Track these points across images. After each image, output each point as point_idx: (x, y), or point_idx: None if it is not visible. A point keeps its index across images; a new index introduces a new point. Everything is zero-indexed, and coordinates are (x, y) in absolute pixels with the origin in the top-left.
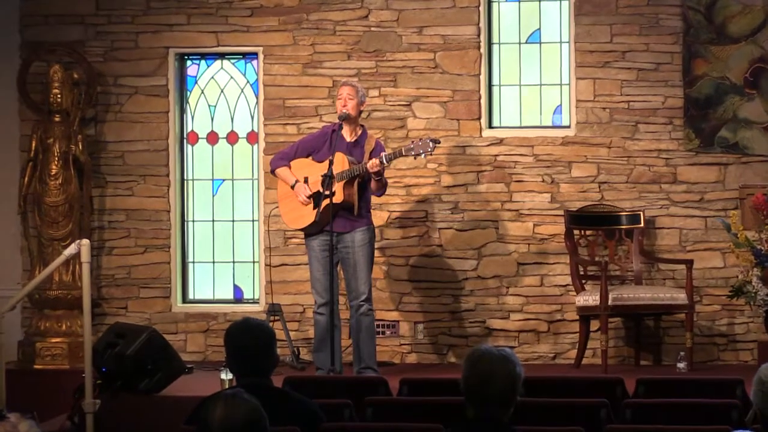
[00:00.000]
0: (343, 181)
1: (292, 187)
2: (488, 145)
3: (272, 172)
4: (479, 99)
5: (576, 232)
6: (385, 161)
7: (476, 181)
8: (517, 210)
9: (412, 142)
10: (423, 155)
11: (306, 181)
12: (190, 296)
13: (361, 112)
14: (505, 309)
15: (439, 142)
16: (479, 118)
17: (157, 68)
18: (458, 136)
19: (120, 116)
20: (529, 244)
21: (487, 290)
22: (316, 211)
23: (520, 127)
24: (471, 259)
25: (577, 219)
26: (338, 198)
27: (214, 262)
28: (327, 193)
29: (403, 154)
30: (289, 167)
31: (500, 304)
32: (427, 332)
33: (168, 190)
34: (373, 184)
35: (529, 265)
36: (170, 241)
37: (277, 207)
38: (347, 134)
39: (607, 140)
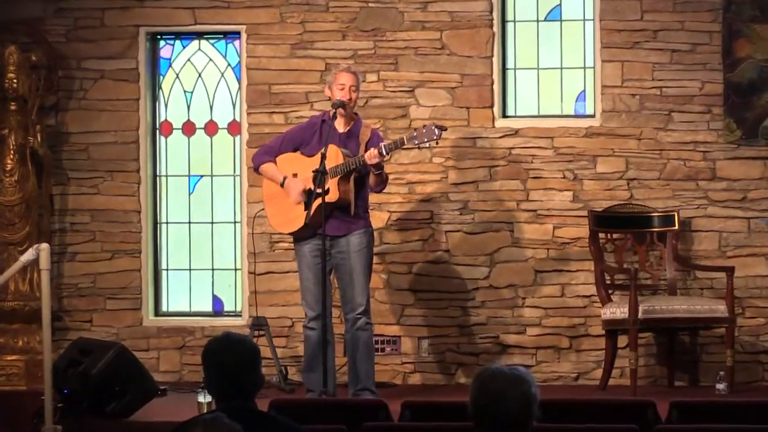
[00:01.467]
0: (338, 177)
1: (282, 185)
2: (502, 137)
3: (256, 169)
4: (491, 84)
5: (602, 235)
6: (384, 152)
7: (488, 178)
8: (534, 210)
9: (415, 130)
10: (428, 145)
11: (296, 177)
12: (164, 308)
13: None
14: (521, 323)
15: (446, 129)
16: (492, 107)
17: (126, 49)
18: (468, 126)
19: (84, 104)
20: (548, 248)
21: (501, 301)
22: (306, 213)
23: (538, 117)
24: (482, 266)
25: (603, 220)
26: (332, 196)
27: (190, 270)
28: (319, 191)
29: (405, 143)
30: (275, 163)
31: (515, 317)
32: (432, 349)
33: (138, 187)
34: (372, 179)
35: (548, 273)
36: (141, 245)
37: (263, 209)
38: (340, 124)
39: (636, 131)
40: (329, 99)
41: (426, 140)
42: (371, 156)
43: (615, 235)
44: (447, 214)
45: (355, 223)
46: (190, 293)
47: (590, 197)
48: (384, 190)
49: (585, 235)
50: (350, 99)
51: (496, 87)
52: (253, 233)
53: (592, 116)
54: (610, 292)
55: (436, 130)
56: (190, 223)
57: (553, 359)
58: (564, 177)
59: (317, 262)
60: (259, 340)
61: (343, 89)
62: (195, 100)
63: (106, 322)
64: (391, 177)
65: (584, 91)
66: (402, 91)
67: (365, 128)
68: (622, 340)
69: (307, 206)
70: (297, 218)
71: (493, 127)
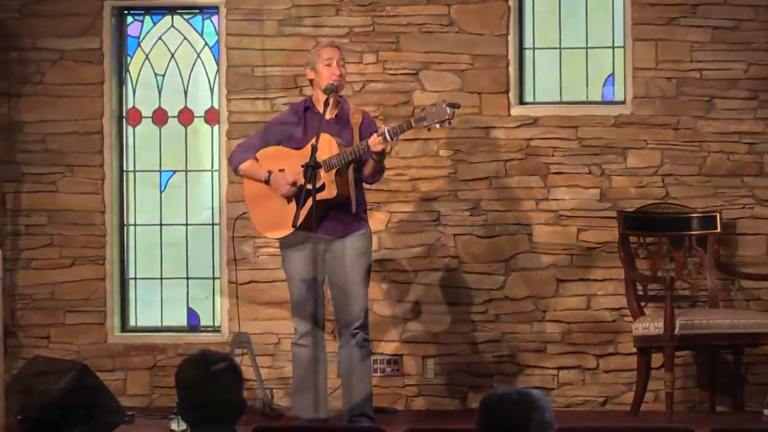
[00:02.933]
0: (334, 170)
1: (267, 182)
2: (518, 127)
3: (235, 170)
4: (507, 66)
5: (633, 239)
6: (389, 137)
7: (503, 174)
8: (555, 211)
9: (423, 109)
10: (438, 126)
11: (282, 171)
12: (131, 323)
13: None
14: (540, 339)
15: (458, 107)
16: (507, 92)
17: (88, 27)
18: (480, 114)
19: (41, 89)
20: (571, 254)
21: (518, 315)
22: (295, 214)
23: (560, 104)
24: (496, 274)
25: (635, 222)
26: (329, 192)
27: (162, 279)
28: (309, 187)
29: (414, 125)
30: (256, 160)
31: (534, 333)
32: (439, 369)
33: (102, 185)
34: (369, 168)
35: (571, 283)
36: (105, 251)
37: (246, 213)
38: (327, 110)
39: (672, 120)
40: (311, 83)
41: (437, 121)
42: (376, 142)
43: (648, 239)
44: (455, 215)
45: (353, 224)
46: (161, 306)
47: (620, 196)
48: (382, 188)
49: (614, 239)
50: (340, 75)
51: (512, 69)
52: (233, 237)
53: (622, 103)
54: (642, 304)
55: (448, 109)
56: (161, 225)
57: (578, 381)
58: (590, 173)
59: (309, 270)
60: (242, 359)
61: (330, 65)
62: (167, 84)
63: (66, 338)
64: (391, 172)
65: (613, 74)
66: (404, 74)
67: (354, 111)
68: (657, 360)
69: (299, 205)
70: (287, 220)
71: (509, 115)
